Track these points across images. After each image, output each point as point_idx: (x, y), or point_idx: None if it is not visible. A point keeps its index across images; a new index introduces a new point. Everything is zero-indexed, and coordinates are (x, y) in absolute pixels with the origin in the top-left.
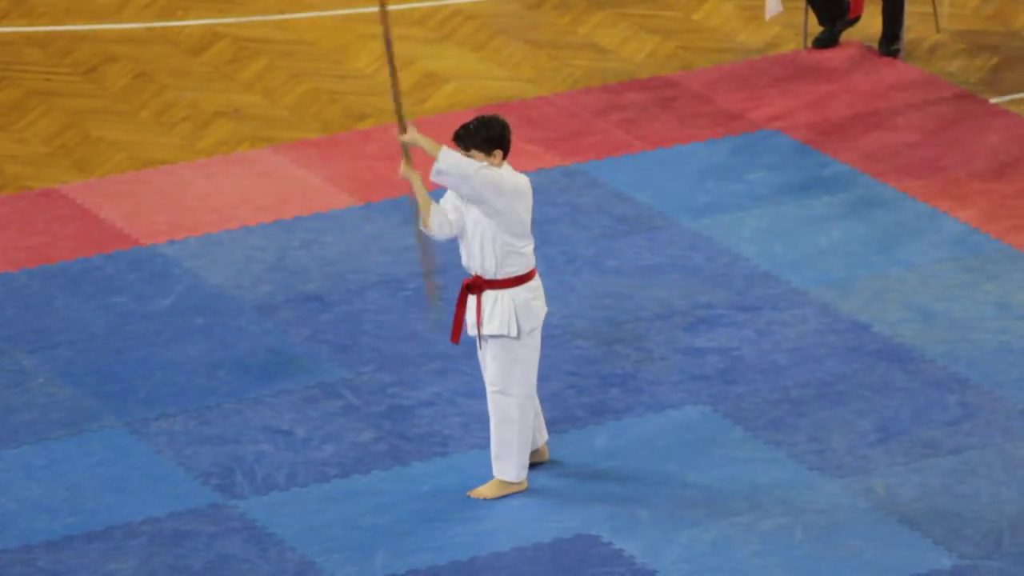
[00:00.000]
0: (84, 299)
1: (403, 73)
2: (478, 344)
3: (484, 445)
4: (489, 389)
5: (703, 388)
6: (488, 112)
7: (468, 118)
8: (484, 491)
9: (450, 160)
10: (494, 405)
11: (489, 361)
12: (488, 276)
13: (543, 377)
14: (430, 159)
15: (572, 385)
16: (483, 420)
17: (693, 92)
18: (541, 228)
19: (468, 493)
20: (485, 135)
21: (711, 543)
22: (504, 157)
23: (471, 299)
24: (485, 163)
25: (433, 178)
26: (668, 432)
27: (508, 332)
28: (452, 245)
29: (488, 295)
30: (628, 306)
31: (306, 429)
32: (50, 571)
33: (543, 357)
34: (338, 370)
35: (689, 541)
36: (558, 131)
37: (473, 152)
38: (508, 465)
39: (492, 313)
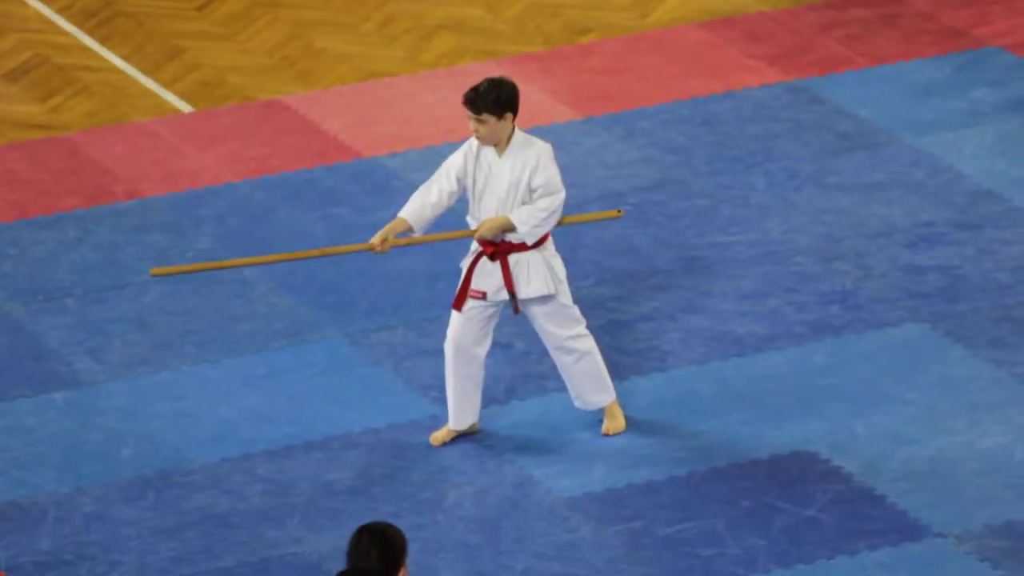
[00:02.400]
0: (305, 210)
1: None
2: (514, 308)
3: (703, 360)
4: (564, 342)
5: (923, 306)
6: (714, 22)
7: (690, 33)
8: (615, 424)
9: (531, 228)
10: (572, 351)
11: (544, 322)
12: (516, 241)
13: (763, 293)
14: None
15: (791, 302)
16: (702, 335)
17: (917, 9)
18: (763, 144)
19: (603, 432)
20: (495, 96)
21: (929, 460)
22: (514, 119)
23: (488, 266)
24: (548, 193)
25: (531, 241)
26: (887, 349)
27: (549, 290)
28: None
29: (513, 258)
30: (849, 223)
31: (525, 343)
32: (270, 480)
33: (763, 274)
34: None
35: (907, 458)
36: (781, 47)
37: (485, 115)
38: (608, 386)
39: (529, 276)
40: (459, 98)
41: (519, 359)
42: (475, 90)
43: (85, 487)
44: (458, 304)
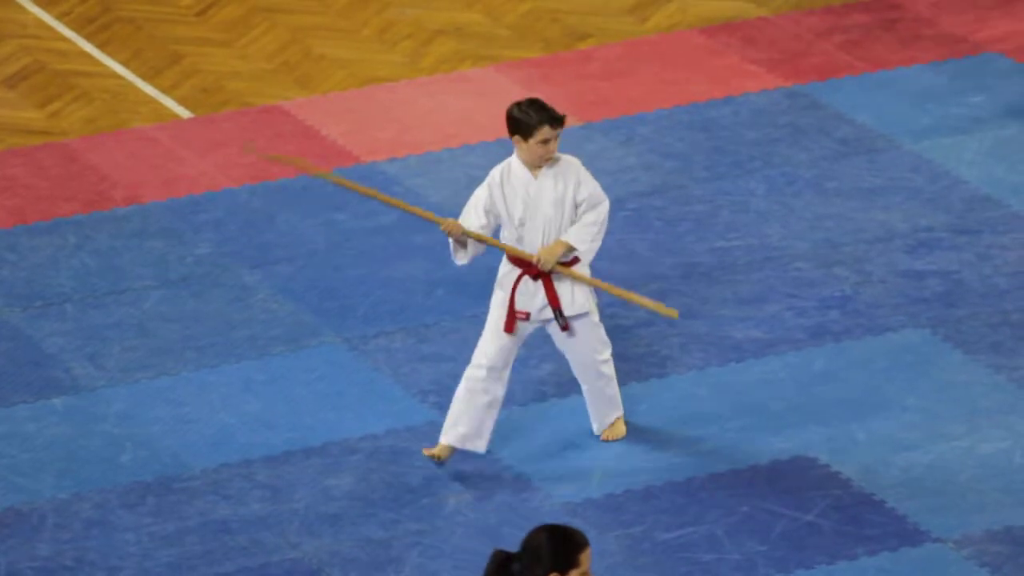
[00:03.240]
0: (305, 216)
1: None
2: (562, 325)
3: (702, 366)
4: (599, 366)
5: (923, 311)
6: (713, 27)
7: (690, 38)
8: (614, 431)
9: (589, 244)
10: (602, 375)
11: (582, 340)
12: (562, 260)
13: (762, 298)
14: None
15: (791, 307)
16: (701, 340)
17: (917, 14)
18: (762, 150)
19: (602, 439)
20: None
21: (928, 465)
22: None
23: (530, 286)
24: (593, 206)
25: (591, 257)
26: (886, 355)
27: (590, 307)
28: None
29: (555, 276)
30: (848, 228)
31: (524, 349)
32: (269, 485)
33: (762, 279)
34: None
35: (906, 464)
36: (780, 52)
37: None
38: (619, 403)
39: (573, 294)
40: (457, 104)
41: (517, 365)
42: (550, 108)
43: (84, 493)
44: (510, 327)
